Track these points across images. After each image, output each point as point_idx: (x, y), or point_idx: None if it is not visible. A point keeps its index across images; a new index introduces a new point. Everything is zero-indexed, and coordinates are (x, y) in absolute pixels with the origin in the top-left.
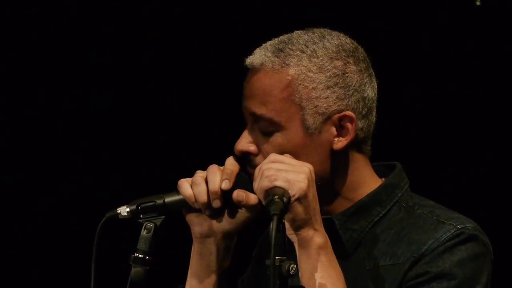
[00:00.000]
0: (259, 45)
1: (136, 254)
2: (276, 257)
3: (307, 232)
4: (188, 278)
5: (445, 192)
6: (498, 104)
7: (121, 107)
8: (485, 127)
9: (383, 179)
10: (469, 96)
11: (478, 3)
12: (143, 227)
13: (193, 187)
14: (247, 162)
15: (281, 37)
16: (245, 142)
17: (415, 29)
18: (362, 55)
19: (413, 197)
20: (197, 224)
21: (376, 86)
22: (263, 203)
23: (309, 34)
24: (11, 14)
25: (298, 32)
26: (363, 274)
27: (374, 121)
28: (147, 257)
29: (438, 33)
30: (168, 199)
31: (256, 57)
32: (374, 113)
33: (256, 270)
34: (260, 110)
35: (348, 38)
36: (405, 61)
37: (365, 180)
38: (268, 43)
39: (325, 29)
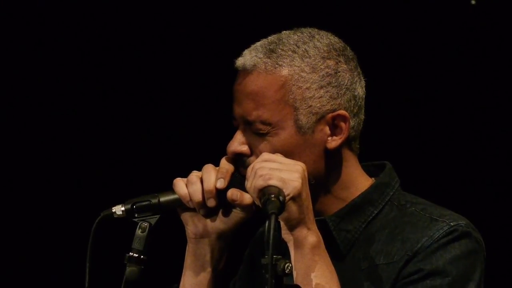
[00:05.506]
0: (247, 45)
1: (131, 254)
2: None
3: (301, 232)
4: (182, 278)
5: (435, 190)
6: (488, 102)
7: (117, 107)
8: (475, 125)
9: (373, 178)
10: (459, 95)
11: (473, 2)
12: (138, 226)
13: (188, 186)
14: (240, 163)
15: (269, 37)
16: (237, 143)
17: (409, 27)
18: (351, 53)
19: (405, 196)
20: (192, 224)
21: (364, 84)
22: (257, 202)
23: (298, 34)
24: (11, 14)
25: (287, 32)
26: (358, 274)
27: (363, 119)
28: (142, 257)
29: (432, 32)
30: (163, 199)
31: (248, 59)
32: (363, 111)
33: (248, 270)
34: (251, 116)
35: (336, 37)
36: (400, 60)
37: (356, 178)
38: (258, 44)
39: (313, 29)
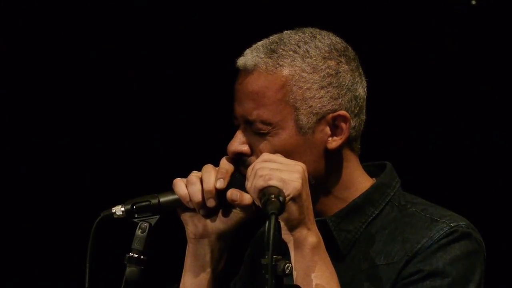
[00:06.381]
0: (249, 45)
1: (131, 254)
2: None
3: (301, 232)
4: (182, 279)
5: (436, 190)
6: (489, 102)
7: (117, 107)
8: (475, 126)
9: (374, 179)
10: (460, 95)
11: (473, 2)
12: (138, 226)
13: (188, 186)
14: (240, 163)
15: (271, 37)
16: (238, 143)
17: (410, 28)
18: (352, 54)
19: (405, 196)
20: (192, 224)
21: (366, 85)
22: (257, 202)
23: (299, 34)
24: (11, 14)
25: (288, 32)
26: (358, 274)
27: (364, 120)
28: (141, 257)
29: (433, 32)
30: (163, 199)
31: (249, 58)
32: (364, 111)
33: (249, 271)
34: (252, 116)
35: (337, 38)
36: (401, 60)
37: (357, 178)
38: (259, 43)
39: (314, 29)
